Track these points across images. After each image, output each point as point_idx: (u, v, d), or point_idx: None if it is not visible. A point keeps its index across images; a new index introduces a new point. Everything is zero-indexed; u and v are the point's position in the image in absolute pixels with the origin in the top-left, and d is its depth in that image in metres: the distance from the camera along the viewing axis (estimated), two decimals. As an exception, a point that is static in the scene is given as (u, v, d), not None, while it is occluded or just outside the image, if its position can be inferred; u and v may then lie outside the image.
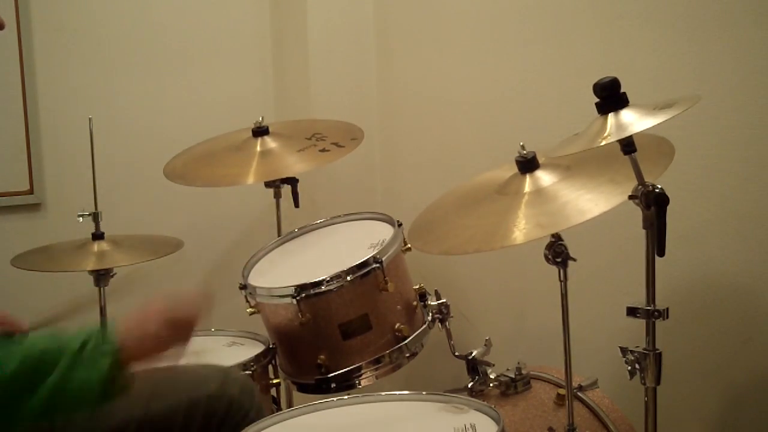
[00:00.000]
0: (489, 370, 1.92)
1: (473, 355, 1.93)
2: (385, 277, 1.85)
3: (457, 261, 2.27)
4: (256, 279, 2.00)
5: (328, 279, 1.84)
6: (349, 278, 1.84)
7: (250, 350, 1.99)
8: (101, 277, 2.22)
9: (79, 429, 1.50)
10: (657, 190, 1.39)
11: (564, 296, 1.65)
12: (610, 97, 1.41)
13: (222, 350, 2.05)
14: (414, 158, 2.86)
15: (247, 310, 1.97)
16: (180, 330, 1.39)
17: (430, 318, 1.98)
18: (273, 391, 2.02)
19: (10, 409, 1.25)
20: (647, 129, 1.35)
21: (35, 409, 1.25)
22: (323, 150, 2.29)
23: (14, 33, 2.58)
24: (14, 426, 1.27)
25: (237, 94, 2.94)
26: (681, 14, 1.95)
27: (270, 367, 1.99)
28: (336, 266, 1.85)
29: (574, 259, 1.62)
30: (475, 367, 1.93)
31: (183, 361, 1.41)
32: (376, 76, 2.95)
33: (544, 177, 1.68)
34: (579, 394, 1.87)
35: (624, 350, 1.47)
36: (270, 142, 2.34)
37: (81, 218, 2.29)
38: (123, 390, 1.32)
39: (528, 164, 1.70)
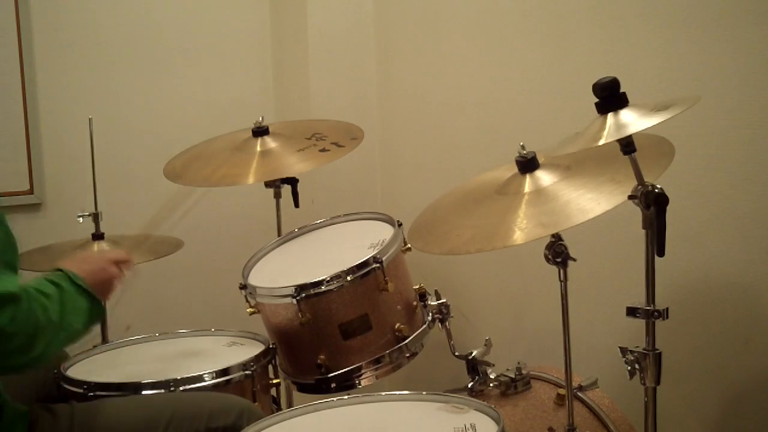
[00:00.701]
0: (489, 370, 1.92)
1: (473, 355, 1.93)
2: (385, 277, 1.85)
3: (457, 261, 2.26)
4: (256, 279, 2.00)
5: (328, 279, 1.84)
6: (349, 278, 1.84)
7: (250, 350, 1.99)
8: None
9: None
10: (657, 190, 1.39)
11: (564, 296, 1.64)
12: (610, 97, 1.41)
13: (222, 350, 2.04)
14: (414, 158, 2.86)
15: (247, 310, 1.97)
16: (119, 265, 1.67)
17: (430, 318, 1.98)
18: (273, 391, 2.02)
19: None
20: (646, 129, 1.35)
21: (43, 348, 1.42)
22: (323, 150, 2.28)
23: (14, 33, 2.58)
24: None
25: (237, 94, 2.94)
26: (681, 14, 1.95)
27: (270, 367, 1.99)
28: (336, 266, 1.85)
29: (574, 259, 1.62)
30: (475, 367, 1.92)
31: None
32: (376, 76, 2.95)
33: (544, 177, 1.67)
34: (579, 394, 1.87)
35: (624, 350, 1.47)
36: (270, 142, 2.34)
37: (81, 218, 2.29)
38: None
39: (528, 164, 1.70)
